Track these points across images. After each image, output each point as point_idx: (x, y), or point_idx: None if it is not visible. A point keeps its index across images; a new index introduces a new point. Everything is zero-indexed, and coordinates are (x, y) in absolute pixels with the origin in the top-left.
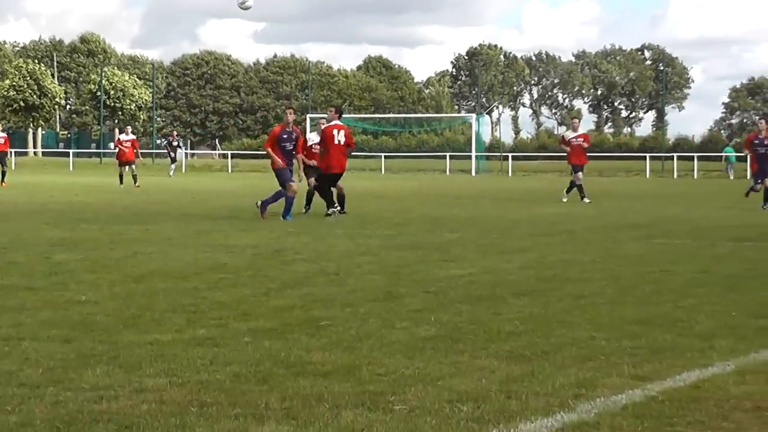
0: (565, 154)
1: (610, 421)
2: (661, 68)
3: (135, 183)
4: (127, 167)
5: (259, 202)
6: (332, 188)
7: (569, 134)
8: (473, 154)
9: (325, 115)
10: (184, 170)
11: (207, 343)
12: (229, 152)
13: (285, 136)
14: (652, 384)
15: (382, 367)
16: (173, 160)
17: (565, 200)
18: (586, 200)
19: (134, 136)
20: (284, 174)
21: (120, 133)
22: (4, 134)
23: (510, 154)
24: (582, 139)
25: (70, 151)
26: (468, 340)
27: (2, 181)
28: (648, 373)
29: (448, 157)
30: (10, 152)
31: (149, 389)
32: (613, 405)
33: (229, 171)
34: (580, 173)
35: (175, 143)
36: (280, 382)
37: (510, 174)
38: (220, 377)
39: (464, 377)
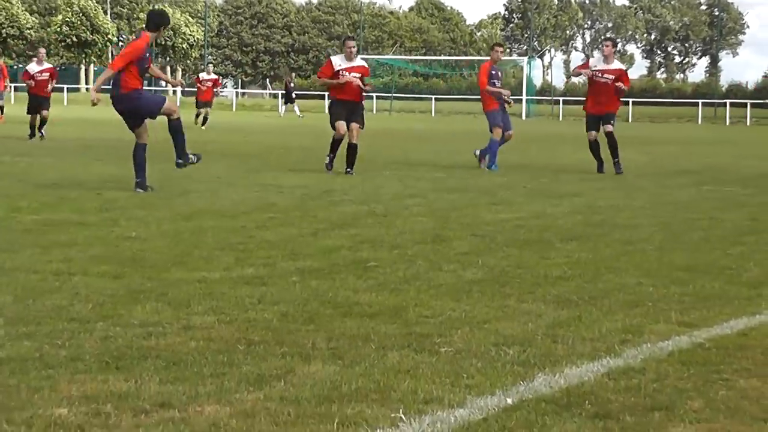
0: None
1: (656, 368)
2: (716, 13)
3: (203, 124)
4: (204, 108)
5: (477, 152)
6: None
7: None
8: (524, 97)
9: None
10: (299, 113)
11: (255, 281)
12: (280, 92)
13: (494, 73)
14: (699, 331)
15: (428, 309)
16: (289, 101)
17: None
18: None
19: (216, 76)
20: (495, 116)
21: (201, 71)
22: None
23: (561, 98)
24: None
25: None
26: (515, 283)
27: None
28: (695, 320)
29: None
30: (64, 88)
31: (197, 326)
32: (660, 351)
33: (280, 111)
34: None
35: (292, 85)
36: (326, 322)
37: (561, 118)
38: (268, 316)
39: (511, 321)
